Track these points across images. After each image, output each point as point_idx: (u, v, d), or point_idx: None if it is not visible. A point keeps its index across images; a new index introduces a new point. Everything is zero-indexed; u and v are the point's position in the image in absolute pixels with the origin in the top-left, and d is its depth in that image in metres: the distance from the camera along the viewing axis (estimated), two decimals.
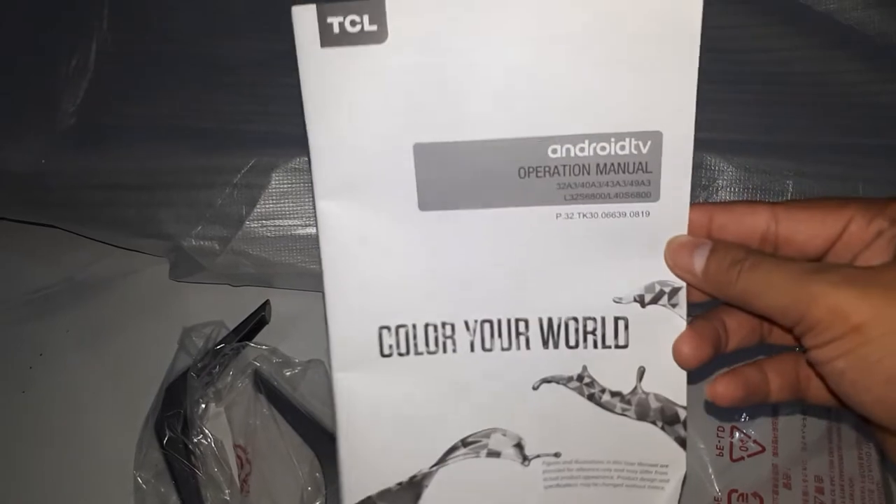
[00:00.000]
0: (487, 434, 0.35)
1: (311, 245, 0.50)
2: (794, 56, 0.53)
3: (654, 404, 0.34)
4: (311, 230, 0.49)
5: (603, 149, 0.31)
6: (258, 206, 0.48)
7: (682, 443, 0.35)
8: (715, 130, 0.49)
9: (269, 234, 0.49)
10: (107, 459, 0.49)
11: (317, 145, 0.31)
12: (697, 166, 0.47)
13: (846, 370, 0.27)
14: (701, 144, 0.48)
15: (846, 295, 0.26)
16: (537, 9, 0.29)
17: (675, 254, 0.32)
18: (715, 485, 0.45)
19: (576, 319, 0.34)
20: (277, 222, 0.49)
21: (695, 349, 0.32)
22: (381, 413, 0.35)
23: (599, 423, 0.35)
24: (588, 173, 0.31)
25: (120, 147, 0.51)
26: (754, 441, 0.46)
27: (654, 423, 0.35)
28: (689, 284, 0.32)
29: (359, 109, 0.31)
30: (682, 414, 0.34)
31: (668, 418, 0.34)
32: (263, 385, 0.50)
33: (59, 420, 0.52)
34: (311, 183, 0.32)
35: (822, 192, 0.46)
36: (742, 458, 0.46)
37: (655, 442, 0.35)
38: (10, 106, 0.55)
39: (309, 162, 0.32)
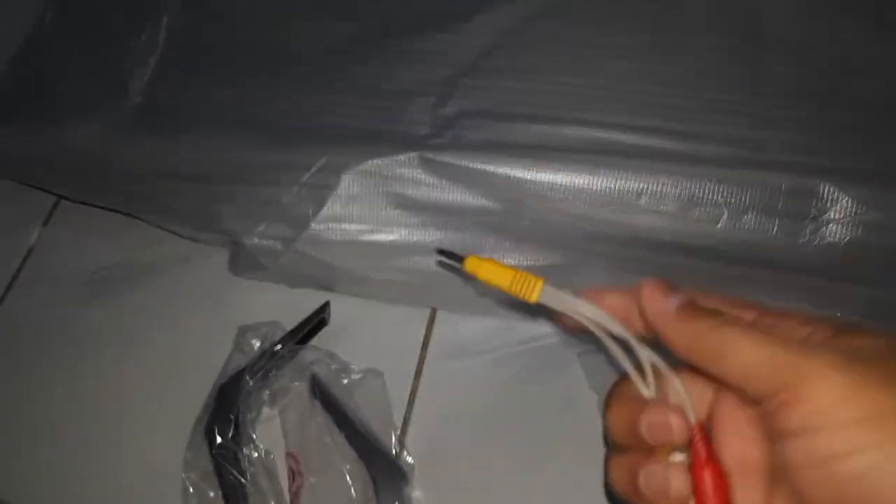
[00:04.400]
0: None
1: (377, 251, 0.47)
2: None
3: None
4: (377, 236, 0.46)
5: None
6: (325, 207, 0.45)
7: None
8: (830, 156, 0.44)
9: (334, 238, 0.46)
10: (156, 456, 0.48)
11: None
12: (808, 193, 0.42)
13: (871, 469, 0.23)
14: (813, 170, 0.44)
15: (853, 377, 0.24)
16: None
17: (650, 292, 0.29)
18: None
19: None
20: (344, 226, 0.46)
21: None
22: None
23: None
24: None
25: (183, 133, 0.49)
26: None
27: None
28: (648, 326, 0.29)
29: None
30: None
31: None
32: (320, 391, 0.48)
33: (109, 411, 0.50)
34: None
35: None
36: None
37: None
38: (78, 80, 0.53)
39: None
